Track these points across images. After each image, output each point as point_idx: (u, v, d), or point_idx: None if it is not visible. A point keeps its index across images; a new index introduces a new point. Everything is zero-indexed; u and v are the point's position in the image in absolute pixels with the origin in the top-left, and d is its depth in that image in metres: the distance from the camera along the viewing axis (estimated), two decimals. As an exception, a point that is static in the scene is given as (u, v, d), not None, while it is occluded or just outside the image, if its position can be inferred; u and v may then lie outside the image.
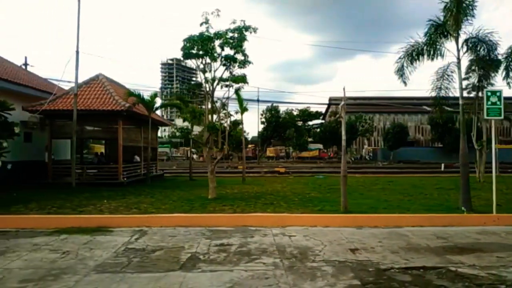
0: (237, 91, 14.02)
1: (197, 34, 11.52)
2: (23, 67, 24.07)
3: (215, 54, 11.29)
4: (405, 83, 10.75)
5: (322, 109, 73.50)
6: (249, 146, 58.44)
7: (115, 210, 9.89)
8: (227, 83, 11.85)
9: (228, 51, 11.75)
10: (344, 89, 10.00)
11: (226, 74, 12.15)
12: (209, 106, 12.19)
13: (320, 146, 60.15)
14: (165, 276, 4.89)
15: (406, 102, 65.38)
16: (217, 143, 12.52)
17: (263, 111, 55.84)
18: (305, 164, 43.27)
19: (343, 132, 9.86)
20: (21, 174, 16.81)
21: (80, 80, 16.71)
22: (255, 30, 11.66)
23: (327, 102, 73.67)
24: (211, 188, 12.18)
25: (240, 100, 18.72)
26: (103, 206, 10.52)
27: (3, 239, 6.90)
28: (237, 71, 12.00)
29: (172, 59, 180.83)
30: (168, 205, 10.56)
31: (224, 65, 11.69)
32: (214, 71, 11.67)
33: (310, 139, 57.74)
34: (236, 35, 11.57)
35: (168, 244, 6.50)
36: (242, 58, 11.57)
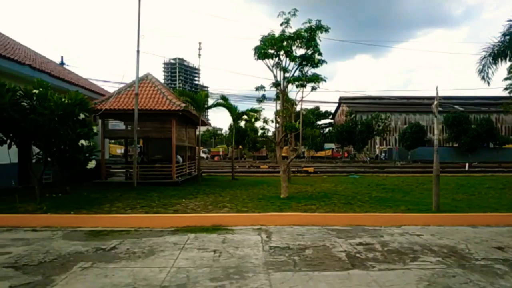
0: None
1: (275, 34, 11.61)
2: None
3: (294, 54, 11.32)
4: (488, 83, 10.80)
5: (330, 108, 73.48)
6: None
7: (204, 209, 9.97)
8: (300, 82, 11.85)
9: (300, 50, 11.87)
10: (437, 88, 10.03)
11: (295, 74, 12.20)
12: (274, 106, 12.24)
13: (332, 145, 60.37)
14: (349, 275, 4.93)
15: (416, 102, 65.77)
16: (286, 143, 12.55)
17: (277, 110, 55.90)
18: (324, 164, 43.34)
19: (436, 132, 9.92)
20: (75, 174, 16.85)
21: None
22: (326, 29, 11.69)
23: (337, 101, 74.06)
24: (284, 188, 12.23)
25: (288, 100, 18.72)
26: (188, 204, 10.62)
27: (135, 238, 6.93)
28: (309, 70, 12.03)
29: (174, 59, 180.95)
30: (250, 204, 10.58)
31: (300, 64, 11.72)
32: (289, 70, 11.71)
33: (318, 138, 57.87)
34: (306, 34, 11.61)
35: (307, 243, 6.54)
36: (319, 57, 11.60)
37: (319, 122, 72.76)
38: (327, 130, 64.62)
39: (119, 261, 5.53)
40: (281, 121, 12.62)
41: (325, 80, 11.52)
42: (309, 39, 11.48)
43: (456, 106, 63.51)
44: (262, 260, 5.58)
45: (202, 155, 62.87)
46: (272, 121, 13.86)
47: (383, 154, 55.28)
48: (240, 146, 56.71)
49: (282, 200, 11.39)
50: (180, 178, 17.09)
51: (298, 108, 15.26)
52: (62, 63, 24.26)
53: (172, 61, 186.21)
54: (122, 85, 17.76)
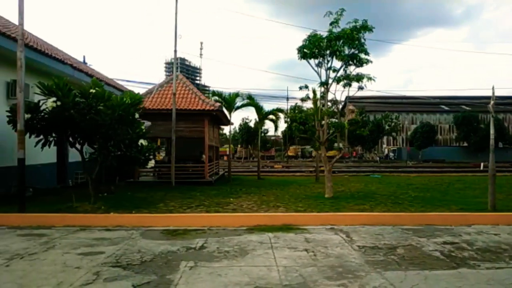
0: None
1: (319, 34, 11.64)
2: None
3: (342, 54, 11.34)
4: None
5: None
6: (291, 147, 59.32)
7: (260, 208, 10.01)
8: (347, 81, 11.87)
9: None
10: (493, 88, 10.06)
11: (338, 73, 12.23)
12: (314, 105, 12.25)
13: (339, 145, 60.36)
14: (460, 274, 4.95)
15: (422, 102, 65.82)
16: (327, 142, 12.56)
17: (287, 110, 55.92)
18: (336, 164, 43.29)
19: (492, 131, 9.92)
20: (107, 173, 16.89)
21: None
22: (370, 29, 11.72)
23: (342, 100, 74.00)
24: (329, 187, 12.25)
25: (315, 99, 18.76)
26: (240, 203, 10.68)
27: (215, 236, 6.93)
28: (354, 70, 12.06)
29: (176, 58, 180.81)
30: (301, 204, 10.61)
31: (346, 64, 11.75)
32: (337, 70, 11.74)
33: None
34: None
35: (392, 242, 6.56)
36: (366, 57, 11.63)
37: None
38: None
39: (219, 260, 5.53)
40: (326, 120, 12.62)
41: (374, 80, 11.54)
42: (354, 39, 11.50)
43: (463, 106, 63.69)
44: (361, 259, 5.60)
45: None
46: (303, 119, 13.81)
47: (392, 154, 55.30)
48: (250, 146, 56.69)
49: (330, 200, 11.41)
50: (213, 177, 17.10)
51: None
52: (84, 62, 24.26)
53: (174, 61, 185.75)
54: (149, 85, 17.77)
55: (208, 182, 16.44)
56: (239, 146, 63.18)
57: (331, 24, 11.40)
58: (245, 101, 18.83)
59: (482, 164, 34.15)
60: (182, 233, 7.28)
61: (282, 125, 31.00)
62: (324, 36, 11.41)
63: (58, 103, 8.68)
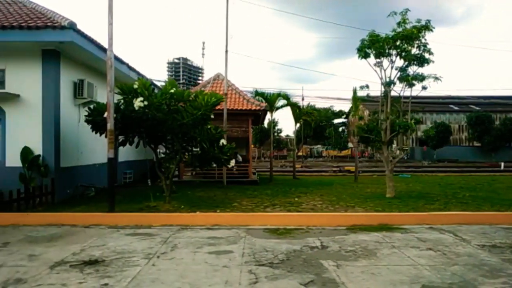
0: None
1: (380, 35, 11.69)
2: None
3: (409, 54, 11.37)
4: None
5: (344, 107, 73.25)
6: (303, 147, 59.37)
7: (334, 207, 10.05)
8: (412, 81, 11.89)
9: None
10: None
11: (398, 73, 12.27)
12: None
13: (349, 145, 60.49)
14: None
15: (431, 102, 65.92)
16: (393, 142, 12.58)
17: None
18: (351, 163, 43.34)
19: None
20: (147, 173, 16.99)
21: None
22: (431, 29, 11.76)
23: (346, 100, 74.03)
24: (390, 187, 12.31)
25: (355, 99, 18.83)
26: (308, 202, 10.72)
27: (323, 236, 6.95)
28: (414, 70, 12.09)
29: (178, 58, 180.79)
30: (373, 204, 10.62)
31: (410, 63, 11.78)
32: (405, 69, 11.78)
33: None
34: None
35: (507, 241, 6.59)
36: (429, 56, 11.67)
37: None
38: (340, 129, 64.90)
39: (356, 260, 5.55)
40: (389, 119, 12.65)
41: (440, 80, 11.57)
42: (419, 38, 11.56)
43: (471, 106, 63.79)
44: (495, 257, 5.61)
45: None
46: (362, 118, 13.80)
47: (407, 154, 55.32)
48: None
49: (397, 200, 11.43)
50: (258, 177, 17.13)
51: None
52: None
53: (176, 60, 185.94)
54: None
55: (253, 181, 16.47)
56: (252, 145, 63.08)
57: (398, 24, 11.44)
58: (285, 102, 18.85)
59: (502, 164, 34.19)
60: (285, 232, 7.30)
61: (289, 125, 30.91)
62: (390, 36, 11.43)
63: (145, 102, 8.68)
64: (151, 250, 6.03)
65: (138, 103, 8.64)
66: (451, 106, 69.59)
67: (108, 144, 8.55)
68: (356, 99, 19.06)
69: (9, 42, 9.71)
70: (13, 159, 10.11)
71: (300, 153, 62.58)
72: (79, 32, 9.58)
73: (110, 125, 8.50)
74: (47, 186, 9.81)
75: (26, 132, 10.14)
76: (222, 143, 9.40)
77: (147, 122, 9.06)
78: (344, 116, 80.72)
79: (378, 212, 9.11)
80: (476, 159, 48.88)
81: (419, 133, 54.66)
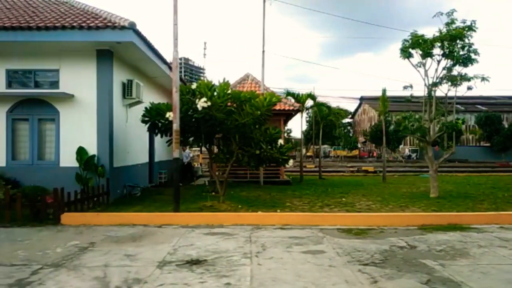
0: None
1: (424, 35, 11.76)
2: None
3: (457, 54, 11.42)
4: None
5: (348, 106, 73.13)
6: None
7: (388, 208, 10.08)
8: (457, 82, 11.93)
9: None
10: None
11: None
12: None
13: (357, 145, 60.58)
14: None
15: (438, 102, 65.92)
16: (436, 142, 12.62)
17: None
18: (362, 164, 43.41)
19: None
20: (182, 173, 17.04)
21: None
22: (475, 30, 11.80)
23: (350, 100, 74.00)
24: (435, 187, 12.34)
25: (383, 99, 18.91)
26: (361, 203, 10.75)
27: (398, 236, 6.97)
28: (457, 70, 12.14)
29: (180, 58, 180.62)
30: (422, 204, 10.64)
31: (455, 63, 11.82)
32: (451, 69, 11.82)
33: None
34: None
35: None
36: (475, 56, 11.71)
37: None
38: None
39: (456, 259, 5.57)
40: (436, 119, 12.69)
41: (488, 80, 11.61)
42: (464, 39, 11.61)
43: (478, 106, 63.88)
44: None
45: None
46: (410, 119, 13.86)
47: (414, 154, 55.44)
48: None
49: (445, 200, 11.44)
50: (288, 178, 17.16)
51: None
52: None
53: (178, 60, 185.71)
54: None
55: (286, 181, 16.49)
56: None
57: (446, 24, 11.48)
58: (313, 102, 18.89)
59: (519, 164, 34.22)
60: (361, 232, 7.32)
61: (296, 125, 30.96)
62: (438, 37, 11.47)
63: (209, 103, 8.69)
64: (243, 249, 6.04)
65: (202, 103, 8.65)
66: (457, 106, 69.77)
67: (173, 144, 8.56)
68: (384, 100, 19.18)
69: (65, 42, 9.72)
70: (67, 159, 10.13)
71: (308, 154, 62.76)
72: (137, 33, 9.58)
73: (176, 126, 8.51)
74: (103, 186, 9.82)
75: (80, 132, 10.15)
76: (280, 143, 9.42)
77: (208, 122, 9.07)
78: (350, 116, 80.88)
79: (439, 212, 9.13)
80: (485, 159, 48.96)
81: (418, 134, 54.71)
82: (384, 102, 19.04)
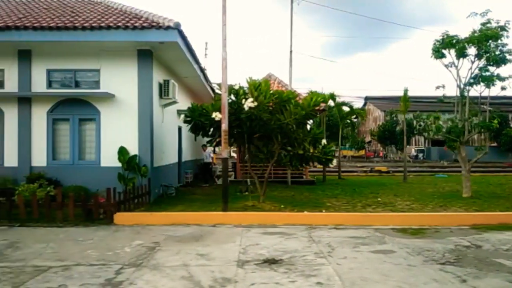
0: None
1: (457, 35, 11.84)
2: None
3: (493, 54, 11.45)
4: None
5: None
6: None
7: (422, 207, 10.10)
8: (490, 82, 11.96)
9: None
10: None
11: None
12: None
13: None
14: None
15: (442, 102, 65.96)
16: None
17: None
18: (370, 164, 43.45)
19: None
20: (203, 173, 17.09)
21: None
22: (507, 29, 11.83)
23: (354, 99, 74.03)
24: (467, 187, 12.37)
25: (405, 99, 18.95)
26: (400, 203, 10.78)
27: (473, 235, 7.00)
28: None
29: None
30: (460, 204, 10.67)
31: (490, 64, 11.86)
32: (487, 69, 11.86)
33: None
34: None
35: None
36: (509, 57, 11.75)
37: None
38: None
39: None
40: (470, 119, 12.72)
41: (522, 79, 11.65)
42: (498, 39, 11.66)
43: (483, 106, 63.88)
44: None
45: (233, 154, 62.57)
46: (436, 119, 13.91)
47: (421, 154, 55.57)
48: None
49: (480, 200, 11.47)
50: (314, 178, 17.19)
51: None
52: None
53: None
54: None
55: (310, 181, 16.53)
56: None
57: (483, 24, 11.52)
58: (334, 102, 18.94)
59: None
60: (416, 232, 7.35)
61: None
62: (474, 37, 11.51)
63: (256, 103, 8.71)
64: (311, 249, 6.07)
65: (249, 103, 8.68)
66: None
67: (222, 144, 8.59)
68: (406, 100, 19.22)
69: (107, 42, 9.72)
70: (108, 159, 10.14)
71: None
72: (181, 33, 9.60)
73: (225, 126, 8.53)
74: (145, 186, 9.83)
75: (120, 132, 10.15)
76: (324, 143, 9.45)
77: (253, 122, 9.09)
78: (355, 116, 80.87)
79: (484, 212, 9.16)
80: (492, 159, 49.00)
81: (431, 133, 54.87)
82: (405, 102, 19.08)
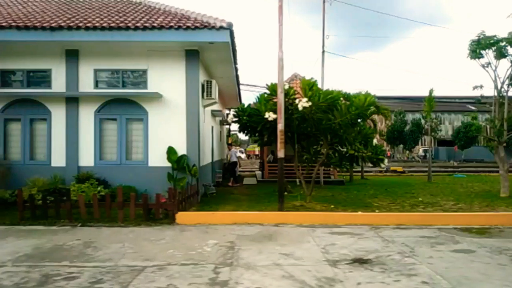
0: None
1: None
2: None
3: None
4: None
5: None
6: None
7: (470, 207, 10.13)
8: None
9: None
10: None
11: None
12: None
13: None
14: None
15: (447, 101, 66.08)
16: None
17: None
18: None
19: None
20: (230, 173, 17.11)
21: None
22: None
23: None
24: (506, 187, 12.41)
25: (430, 99, 18.98)
26: (445, 203, 10.80)
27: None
28: None
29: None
30: (506, 204, 10.68)
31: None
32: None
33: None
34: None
35: None
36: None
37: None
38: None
39: None
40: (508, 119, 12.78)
41: None
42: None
43: (468, 106, 63.99)
44: None
45: (239, 154, 62.50)
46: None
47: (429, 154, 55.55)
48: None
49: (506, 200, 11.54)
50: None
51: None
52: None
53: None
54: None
55: (339, 181, 16.57)
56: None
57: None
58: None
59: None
60: (481, 231, 7.37)
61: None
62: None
63: (310, 103, 8.74)
64: (390, 248, 6.09)
65: (303, 103, 8.71)
66: (468, 106, 69.95)
67: (278, 144, 8.60)
68: (431, 100, 19.24)
69: (155, 42, 9.74)
70: (156, 159, 10.17)
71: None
72: (232, 33, 9.62)
73: (281, 126, 8.56)
74: (195, 185, 9.86)
75: (168, 132, 10.17)
76: (375, 143, 9.47)
77: (305, 122, 9.13)
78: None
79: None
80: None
81: (438, 134, 54.98)
82: (430, 102, 19.10)
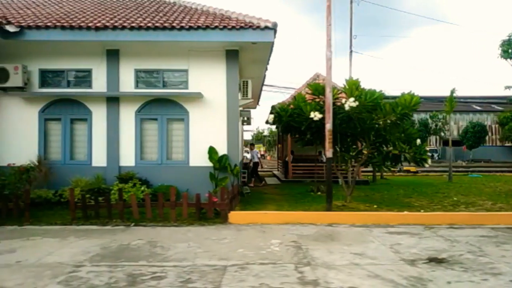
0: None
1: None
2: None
3: None
4: None
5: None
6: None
7: (510, 207, 10.17)
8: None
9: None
10: None
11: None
12: None
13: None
14: None
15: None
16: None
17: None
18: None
19: None
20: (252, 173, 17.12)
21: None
22: None
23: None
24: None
25: (451, 99, 19.02)
26: (481, 203, 10.83)
27: None
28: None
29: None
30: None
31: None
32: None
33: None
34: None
35: None
36: None
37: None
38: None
39: None
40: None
41: None
42: None
43: (493, 105, 64.12)
44: None
45: (245, 154, 62.71)
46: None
47: (436, 154, 55.71)
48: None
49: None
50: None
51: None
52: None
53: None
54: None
55: (364, 181, 16.63)
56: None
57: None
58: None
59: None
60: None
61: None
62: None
63: (357, 103, 8.77)
64: (456, 248, 6.11)
65: (350, 103, 8.72)
66: (473, 106, 70.01)
67: (327, 144, 8.63)
68: (451, 100, 19.27)
69: (196, 42, 9.75)
70: (196, 159, 10.18)
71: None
72: (276, 33, 9.63)
73: (329, 125, 8.59)
74: (237, 185, 9.88)
75: (209, 132, 10.19)
76: (419, 143, 9.50)
77: (350, 122, 9.16)
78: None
79: None
80: (508, 159, 49.34)
81: (443, 133, 55.04)
82: (451, 102, 19.15)
